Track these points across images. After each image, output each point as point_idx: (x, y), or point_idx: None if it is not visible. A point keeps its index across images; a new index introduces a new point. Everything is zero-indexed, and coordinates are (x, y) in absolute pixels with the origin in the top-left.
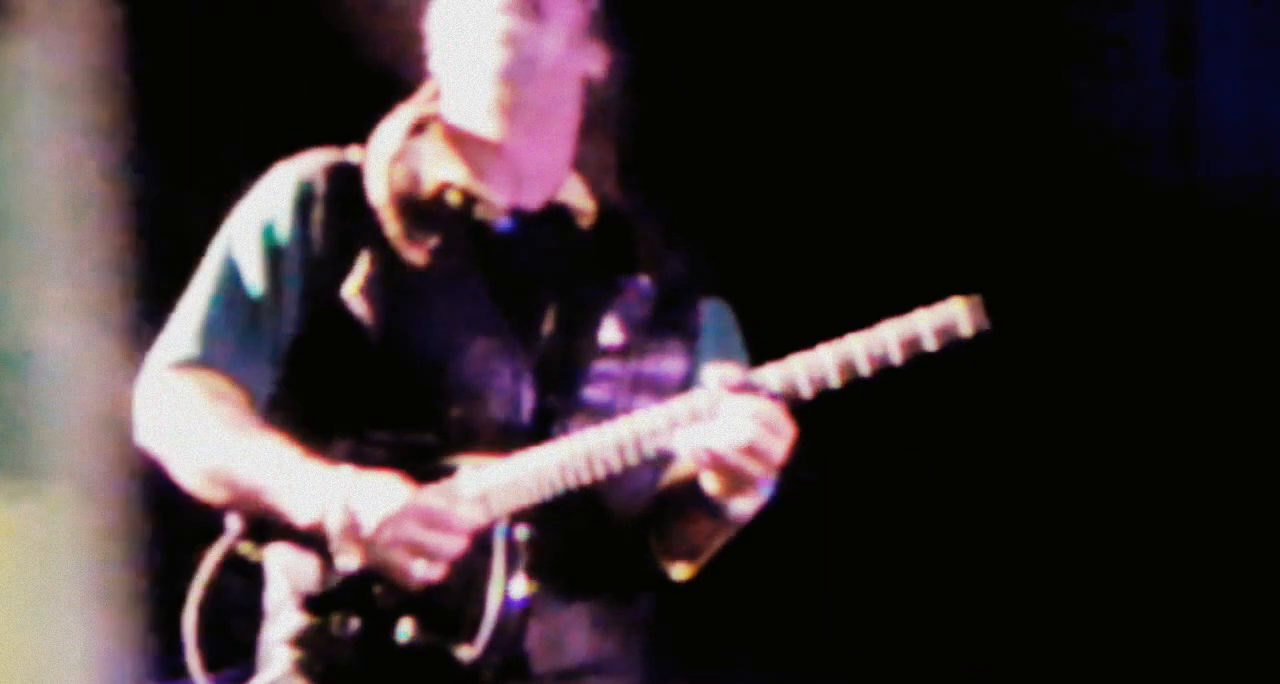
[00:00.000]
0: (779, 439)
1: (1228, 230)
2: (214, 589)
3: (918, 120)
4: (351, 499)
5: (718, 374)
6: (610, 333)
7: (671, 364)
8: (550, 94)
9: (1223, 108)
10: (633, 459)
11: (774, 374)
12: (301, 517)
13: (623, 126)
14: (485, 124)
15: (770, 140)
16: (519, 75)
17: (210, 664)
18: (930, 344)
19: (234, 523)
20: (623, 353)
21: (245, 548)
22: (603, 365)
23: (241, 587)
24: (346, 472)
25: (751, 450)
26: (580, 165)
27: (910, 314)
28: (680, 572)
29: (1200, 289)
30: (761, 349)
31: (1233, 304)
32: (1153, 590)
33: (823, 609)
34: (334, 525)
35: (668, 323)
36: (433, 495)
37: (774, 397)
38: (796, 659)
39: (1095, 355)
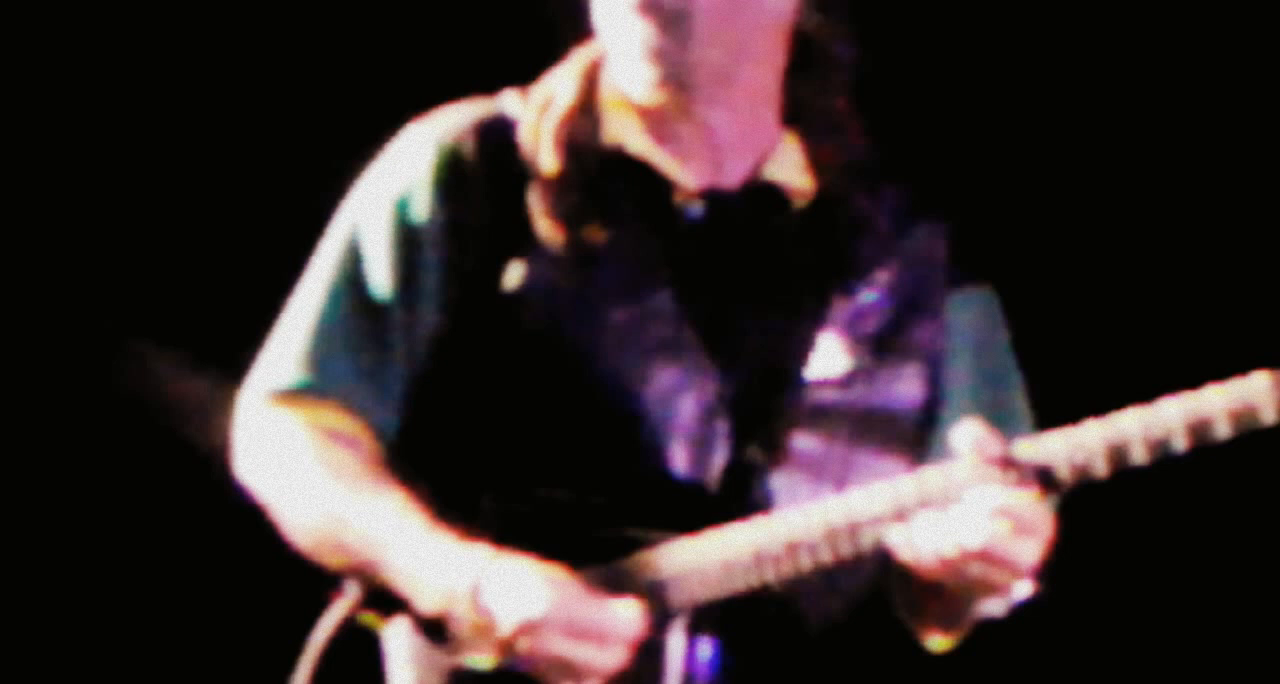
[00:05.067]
0: (1029, 542)
1: None
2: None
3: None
4: (485, 592)
5: (971, 436)
6: (829, 355)
7: (906, 392)
8: (727, 49)
9: None
10: (846, 551)
11: (1030, 450)
12: (423, 603)
13: (853, 65)
14: (653, 99)
15: (1056, 86)
16: (671, 47)
17: None
18: (1223, 431)
19: (353, 587)
20: (844, 383)
21: (366, 618)
22: (818, 400)
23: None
24: (481, 554)
25: (987, 556)
26: (797, 120)
27: (1200, 390)
28: (938, 642)
29: None
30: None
31: None
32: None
33: None
34: (462, 622)
35: (903, 338)
36: (587, 597)
37: (1028, 483)
38: None
39: None
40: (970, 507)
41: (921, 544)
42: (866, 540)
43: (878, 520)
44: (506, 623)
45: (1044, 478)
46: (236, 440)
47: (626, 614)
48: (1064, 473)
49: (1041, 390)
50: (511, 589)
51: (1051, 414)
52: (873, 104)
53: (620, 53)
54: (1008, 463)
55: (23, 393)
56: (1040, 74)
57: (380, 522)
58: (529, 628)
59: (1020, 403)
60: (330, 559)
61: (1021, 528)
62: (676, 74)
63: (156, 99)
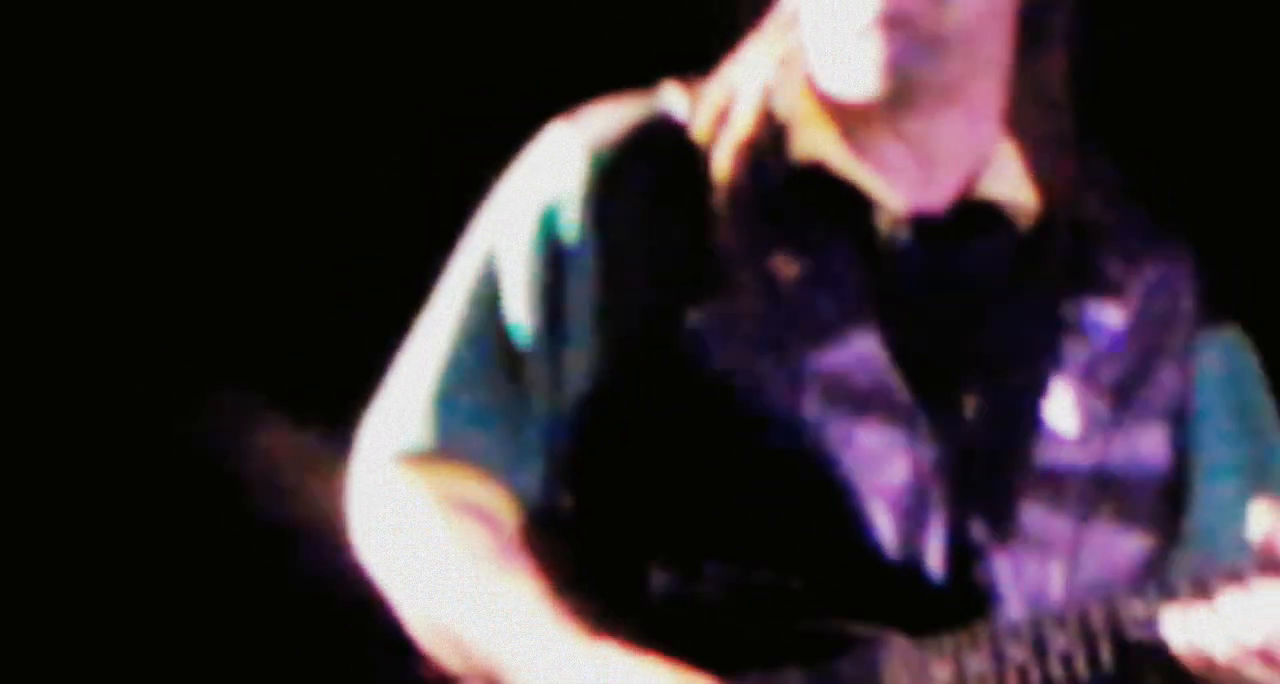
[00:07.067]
0: None
1: None
2: None
3: None
4: None
5: (1265, 525)
6: (1063, 408)
7: (1149, 454)
8: (968, 62)
9: None
10: (1107, 660)
11: None
12: None
13: (1079, 52)
14: (870, 108)
15: None
16: (912, 64)
17: None
18: None
19: None
20: (1080, 443)
21: None
22: (1049, 463)
23: None
24: (612, 660)
25: (1267, 656)
26: (1017, 126)
27: None
28: None
29: None
30: None
31: None
32: None
33: None
34: None
35: (1146, 388)
36: None
37: None
38: None
39: None
40: (1253, 600)
41: (1195, 639)
42: (1133, 640)
43: (1140, 622)
44: None
45: None
46: (353, 510)
47: None
48: None
49: None
50: None
51: None
52: (1095, 94)
53: (839, 60)
54: None
55: (95, 441)
56: None
57: (507, 616)
58: None
59: None
60: (447, 656)
61: None
62: (909, 90)
63: (256, 129)
